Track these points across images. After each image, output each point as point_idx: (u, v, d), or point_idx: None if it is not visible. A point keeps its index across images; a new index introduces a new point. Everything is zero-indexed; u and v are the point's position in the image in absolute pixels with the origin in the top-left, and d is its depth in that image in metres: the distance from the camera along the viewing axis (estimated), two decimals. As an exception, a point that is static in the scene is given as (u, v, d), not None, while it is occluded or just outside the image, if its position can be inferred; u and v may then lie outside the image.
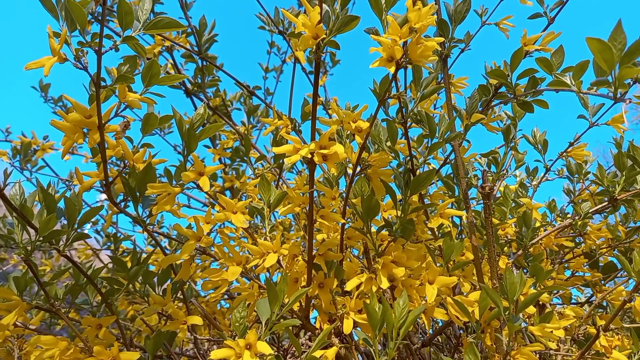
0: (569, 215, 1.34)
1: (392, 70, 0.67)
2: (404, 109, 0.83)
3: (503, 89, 1.10)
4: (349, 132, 0.98)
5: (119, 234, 1.66)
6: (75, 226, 0.78)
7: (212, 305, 1.49)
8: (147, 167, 0.88)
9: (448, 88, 1.00)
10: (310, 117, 1.28)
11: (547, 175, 1.35)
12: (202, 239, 0.84)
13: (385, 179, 0.89)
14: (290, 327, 0.98)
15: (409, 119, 0.87)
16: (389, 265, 0.81)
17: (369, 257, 1.01)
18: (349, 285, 0.82)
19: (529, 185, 1.40)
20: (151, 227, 0.94)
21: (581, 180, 1.35)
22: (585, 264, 1.49)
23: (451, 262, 0.88)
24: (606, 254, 1.48)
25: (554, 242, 1.40)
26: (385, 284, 0.78)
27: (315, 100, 0.75)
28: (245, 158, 1.75)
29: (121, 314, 1.75)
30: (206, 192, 0.84)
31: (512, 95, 1.05)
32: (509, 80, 0.98)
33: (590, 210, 1.15)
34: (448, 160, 1.05)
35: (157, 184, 0.83)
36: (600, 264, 1.52)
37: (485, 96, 1.10)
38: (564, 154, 1.31)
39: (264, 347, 0.69)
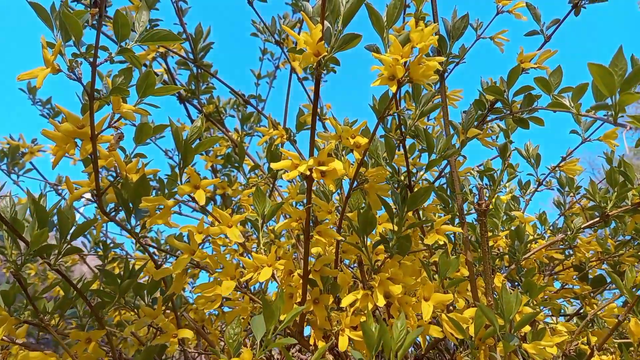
0: (560, 229, 1.35)
1: (393, 89, 0.66)
2: (402, 126, 0.83)
3: (499, 104, 1.10)
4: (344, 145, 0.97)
5: (107, 241, 1.63)
6: (68, 239, 0.76)
7: (201, 313, 1.47)
8: (141, 179, 0.87)
9: (445, 104, 1.00)
10: (307, 128, 1.27)
11: (538, 188, 1.36)
12: (196, 253, 0.83)
13: (382, 194, 0.89)
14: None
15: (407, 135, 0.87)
16: (386, 282, 0.80)
17: (362, 268, 1.00)
18: (345, 302, 0.81)
19: (519, 196, 1.41)
20: (144, 239, 0.92)
21: (572, 194, 1.36)
22: (574, 276, 1.50)
23: (446, 279, 0.88)
24: (595, 267, 1.50)
25: (544, 254, 1.41)
26: (381, 302, 0.78)
27: (314, 114, 0.75)
28: (237, 165, 1.74)
29: (107, 320, 1.72)
30: (201, 206, 0.83)
31: (508, 112, 1.06)
32: (505, 97, 0.99)
33: (582, 226, 1.16)
34: (443, 173, 1.05)
35: (152, 197, 0.82)
36: (589, 277, 1.53)
37: (480, 111, 1.10)
38: (556, 168, 1.32)
39: (259, 367, 0.68)
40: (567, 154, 1.30)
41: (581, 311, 1.51)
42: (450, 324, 0.85)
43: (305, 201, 0.82)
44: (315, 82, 0.69)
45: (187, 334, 0.90)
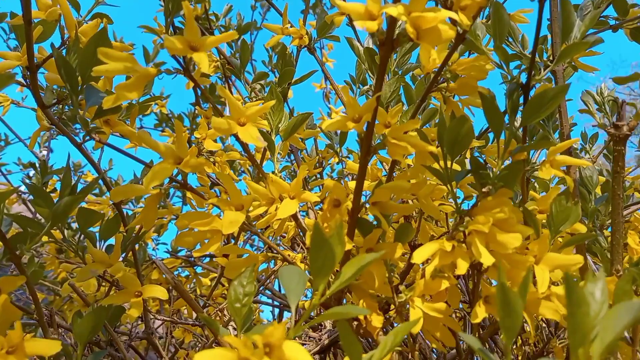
0: None
1: None
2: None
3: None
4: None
5: (49, 164, 1.26)
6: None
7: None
8: (99, 35, 0.53)
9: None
10: (330, 36, 0.94)
11: (610, 143, 1.08)
12: (186, 160, 0.50)
13: (476, 98, 0.58)
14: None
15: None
16: (493, 230, 0.50)
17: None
18: (419, 256, 0.51)
19: (581, 150, 1.13)
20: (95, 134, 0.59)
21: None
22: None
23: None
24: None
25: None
26: (488, 259, 0.48)
27: None
28: (223, 100, 1.40)
29: (48, 275, 1.38)
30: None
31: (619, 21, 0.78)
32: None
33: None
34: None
35: (117, 53, 0.48)
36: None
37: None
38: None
39: (299, 354, 0.37)
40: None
41: None
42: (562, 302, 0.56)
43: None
44: None
45: (159, 292, 0.58)
